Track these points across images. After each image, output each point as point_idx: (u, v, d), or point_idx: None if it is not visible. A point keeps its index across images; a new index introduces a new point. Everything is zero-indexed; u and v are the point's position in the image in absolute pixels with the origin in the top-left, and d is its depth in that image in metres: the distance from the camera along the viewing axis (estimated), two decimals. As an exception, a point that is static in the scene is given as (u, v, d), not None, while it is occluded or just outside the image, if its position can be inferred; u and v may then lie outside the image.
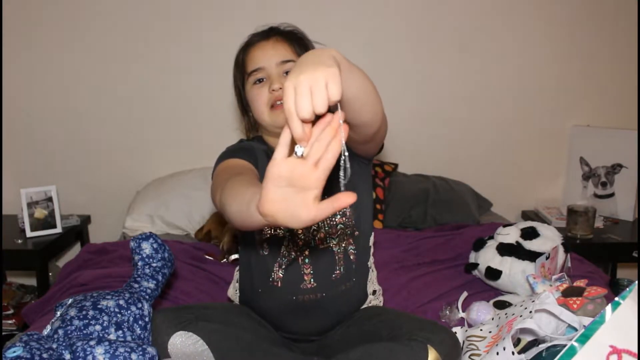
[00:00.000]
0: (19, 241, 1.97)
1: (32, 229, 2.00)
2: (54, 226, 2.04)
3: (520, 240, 1.53)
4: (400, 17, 2.22)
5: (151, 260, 1.23)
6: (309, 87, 0.70)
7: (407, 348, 1.02)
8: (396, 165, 2.25)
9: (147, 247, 1.23)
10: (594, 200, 2.25)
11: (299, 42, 1.24)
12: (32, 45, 2.17)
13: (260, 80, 1.21)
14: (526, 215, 2.34)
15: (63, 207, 2.16)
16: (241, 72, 1.26)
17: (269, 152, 1.24)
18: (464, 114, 2.31)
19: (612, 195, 2.24)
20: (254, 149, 1.23)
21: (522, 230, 1.56)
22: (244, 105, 1.30)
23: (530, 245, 1.51)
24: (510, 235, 1.56)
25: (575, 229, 2.04)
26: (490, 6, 2.22)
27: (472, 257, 1.63)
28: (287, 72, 1.19)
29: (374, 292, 1.32)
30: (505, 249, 1.52)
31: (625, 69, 2.29)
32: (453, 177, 2.27)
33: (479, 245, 1.61)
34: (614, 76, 2.30)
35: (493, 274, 1.50)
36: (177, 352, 1.07)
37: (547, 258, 1.44)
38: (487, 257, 1.54)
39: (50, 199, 2.04)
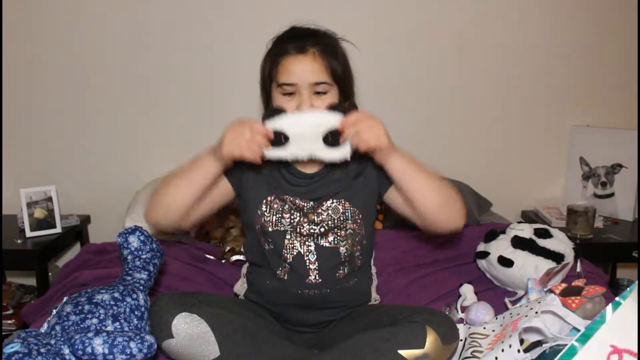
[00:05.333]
0: (19, 241, 1.96)
1: (32, 229, 2.00)
2: (54, 226, 2.04)
3: (534, 238, 1.54)
4: (400, 17, 2.22)
5: (140, 252, 1.25)
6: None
7: (406, 329, 1.07)
8: (396, 165, 2.25)
9: (134, 240, 1.25)
10: (593, 200, 2.25)
11: (335, 57, 1.21)
12: (32, 45, 2.17)
13: (289, 93, 1.20)
14: (526, 215, 2.34)
15: (63, 207, 2.15)
16: (270, 73, 1.23)
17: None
18: (464, 114, 2.31)
19: (612, 195, 2.24)
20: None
21: (535, 229, 1.57)
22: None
23: (545, 243, 1.52)
24: (525, 231, 1.57)
25: (575, 229, 2.03)
26: (490, 6, 2.22)
27: (482, 248, 1.62)
28: (318, 92, 1.18)
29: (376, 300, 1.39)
30: (519, 242, 1.53)
31: (625, 69, 2.29)
32: (453, 177, 2.26)
33: (490, 236, 1.61)
34: (614, 76, 2.30)
35: (505, 262, 1.50)
36: (180, 333, 1.10)
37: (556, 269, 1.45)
38: (500, 247, 1.54)
39: (49, 199, 2.04)
